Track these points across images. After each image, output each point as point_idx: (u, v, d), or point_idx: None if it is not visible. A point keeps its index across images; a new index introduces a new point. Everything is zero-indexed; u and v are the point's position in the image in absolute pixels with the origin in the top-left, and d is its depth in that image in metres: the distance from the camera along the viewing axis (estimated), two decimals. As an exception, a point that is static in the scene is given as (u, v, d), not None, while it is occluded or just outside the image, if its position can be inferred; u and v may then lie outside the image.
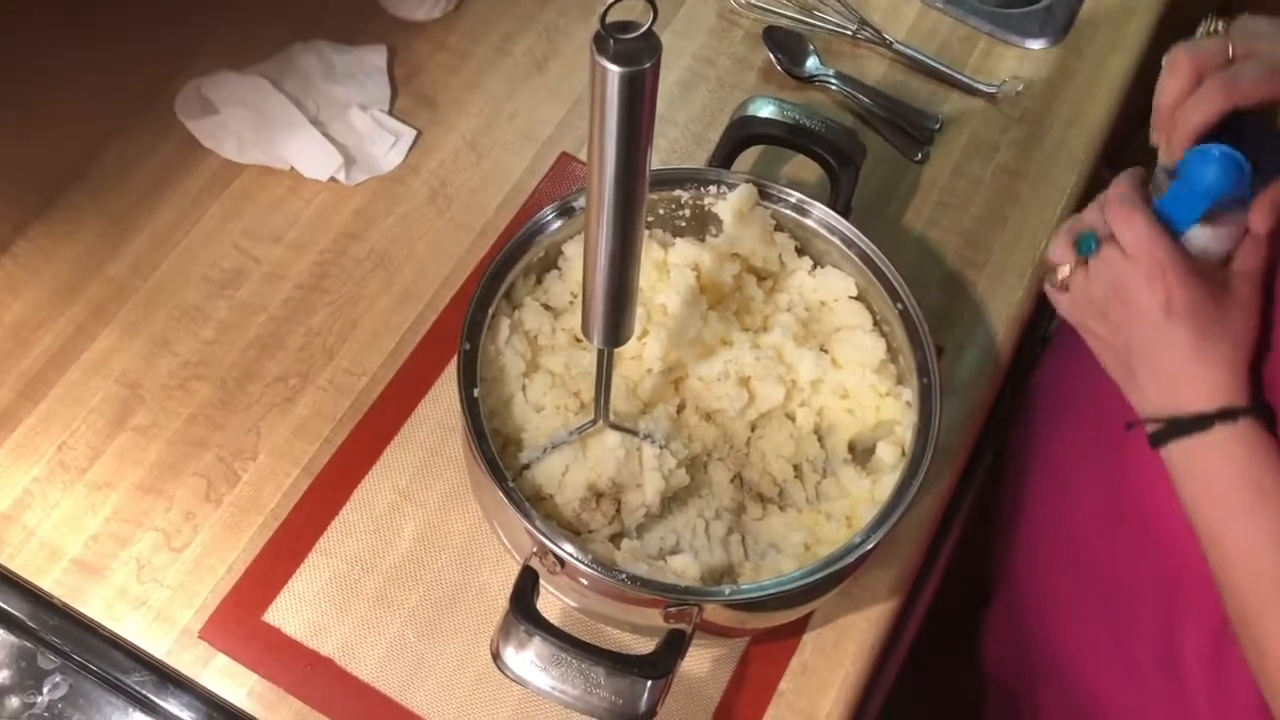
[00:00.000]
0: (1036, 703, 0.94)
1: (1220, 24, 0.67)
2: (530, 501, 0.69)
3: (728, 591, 0.68)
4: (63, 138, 0.88)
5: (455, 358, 0.71)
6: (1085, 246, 0.68)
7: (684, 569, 0.72)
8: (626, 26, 0.48)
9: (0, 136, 0.83)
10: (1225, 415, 0.62)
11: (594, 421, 0.73)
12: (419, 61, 0.99)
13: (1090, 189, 0.98)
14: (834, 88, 1.00)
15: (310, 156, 0.91)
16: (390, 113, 0.96)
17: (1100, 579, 0.82)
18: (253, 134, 0.91)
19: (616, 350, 0.67)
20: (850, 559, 0.68)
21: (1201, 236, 0.65)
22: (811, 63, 1.00)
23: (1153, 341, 0.64)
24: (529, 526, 0.67)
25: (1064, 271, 0.69)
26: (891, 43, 1.02)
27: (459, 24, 1.01)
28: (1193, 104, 0.64)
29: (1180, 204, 0.64)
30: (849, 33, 1.01)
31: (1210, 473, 0.63)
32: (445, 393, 0.85)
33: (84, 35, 0.85)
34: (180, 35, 0.94)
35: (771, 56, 1.00)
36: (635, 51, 0.48)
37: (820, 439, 0.80)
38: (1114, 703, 0.83)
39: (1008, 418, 0.94)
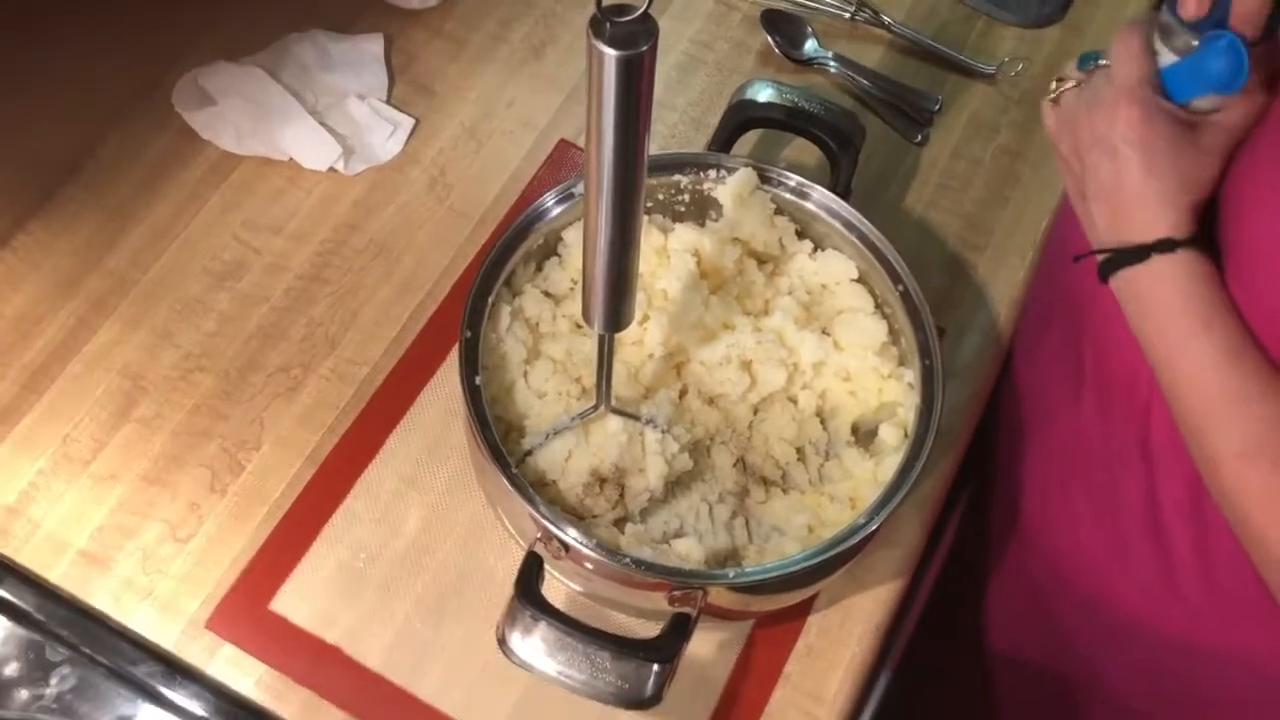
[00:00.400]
0: (1044, 672, 0.94)
1: None
2: (534, 487, 0.69)
3: (732, 574, 0.68)
4: (60, 131, 0.88)
5: (457, 346, 0.71)
6: (1084, 62, 0.69)
7: (688, 552, 0.72)
8: (623, 10, 0.48)
9: (-2, 130, 0.83)
10: (1162, 246, 0.64)
11: (596, 407, 0.73)
12: (416, 49, 0.99)
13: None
14: (833, 70, 0.99)
15: (309, 147, 0.91)
16: (388, 101, 0.96)
17: (1087, 471, 0.82)
18: (251, 125, 0.91)
19: (618, 336, 0.67)
20: (854, 540, 0.68)
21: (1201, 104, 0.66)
22: (810, 45, 1.00)
23: (1103, 167, 0.66)
24: (533, 512, 0.67)
25: (1054, 87, 0.70)
26: (889, 24, 1.01)
27: (455, 10, 1.01)
28: None
29: (1184, 79, 0.65)
30: (847, 15, 1.01)
31: (1153, 302, 0.65)
32: (448, 381, 0.85)
33: (80, 28, 0.85)
34: (177, 27, 0.94)
35: (769, 40, 1.00)
36: (632, 35, 0.48)
37: (823, 421, 0.80)
38: (1119, 611, 0.83)
39: (991, 421, 0.94)
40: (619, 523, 0.74)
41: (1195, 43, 0.64)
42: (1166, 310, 0.64)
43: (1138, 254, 0.65)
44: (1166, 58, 0.66)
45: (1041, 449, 0.88)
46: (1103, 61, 0.68)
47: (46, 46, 0.83)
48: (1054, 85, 0.70)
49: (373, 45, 0.97)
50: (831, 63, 0.99)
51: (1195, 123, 0.65)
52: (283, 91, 0.92)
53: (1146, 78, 0.65)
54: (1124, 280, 0.66)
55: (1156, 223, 0.64)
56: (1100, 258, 0.67)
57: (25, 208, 0.88)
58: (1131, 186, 0.65)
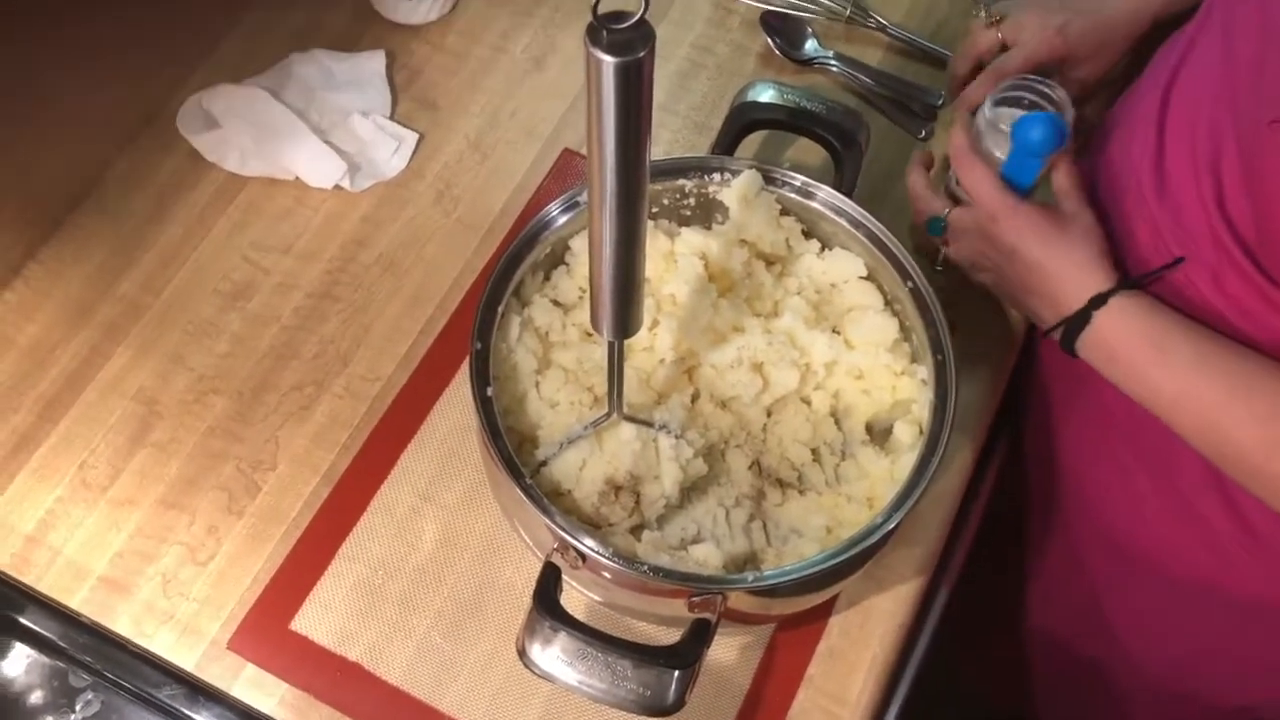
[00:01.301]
0: (1083, 655, 0.94)
1: (984, 11, 0.88)
2: (549, 498, 0.69)
3: (750, 578, 0.68)
4: (67, 159, 0.88)
5: (468, 358, 0.71)
6: (936, 229, 0.81)
7: (706, 558, 0.72)
8: (620, 17, 0.48)
9: (4, 160, 0.83)
10: (1095, 302, 0.71)
11: (608, 415, 0.73)
12: (418, 65, 0.99)
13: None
14: (834, 70, 0.99)
15: (314, 165, 0.91)
16: (392, 117, 0.96)
17: (1138, 438, 0.83)
18: (255, 146, 0.91)
19: (628, 342, 0.67)
20: (872, 540, 0.68)
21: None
22: (810, 46, 1.00)
23: (1022, 270, 0.75)
24: (549, 523, 0.67)
25: (942, 255, 0.82)
26: (887, 26, 1.01)
27: (455, 25, 1.01)
28: (973, 88, 0.87)
29: (1019, 167, 0.76)
30: (844, 15, 1.01)
31: (1115, 351, 0.71)
32: (460, 394, 0.85)
33: (82, 56, 0.85)
34: (179, 52, 0.95)
35: (769, 42, 1.00)
36: (629, 41, 0.48)
37: (837, 421, 0.79)
38: (1188, 577, 0.84)
39: (1024, 384, 0.94)
40: (635, 530, 0.74)
41: (1005, 127, 0.76)
42: (1127, 353, 0.70)
43: (1081, 319, 0.72)
44: (1000, 155, 0.77)
45: (1081, 419, 0.88)
46: (946, 212, 0.80)
47: (50, 76, 0.83)
48: (941, 257, 0.83)
49: (375, 62, 0.97)
50: (832, 62, 0.99)
51: (1056, 205, 0.76)
52: (286, 111, 0.92)
53: (1003, 189, 0.76)
54: (1085, 346, 0.72)
55: (1082, 288, 0.72)
56: (1056, 335, 0.74)
57: (36, 237, 0.89)
58: (1044, 273, 0.73)
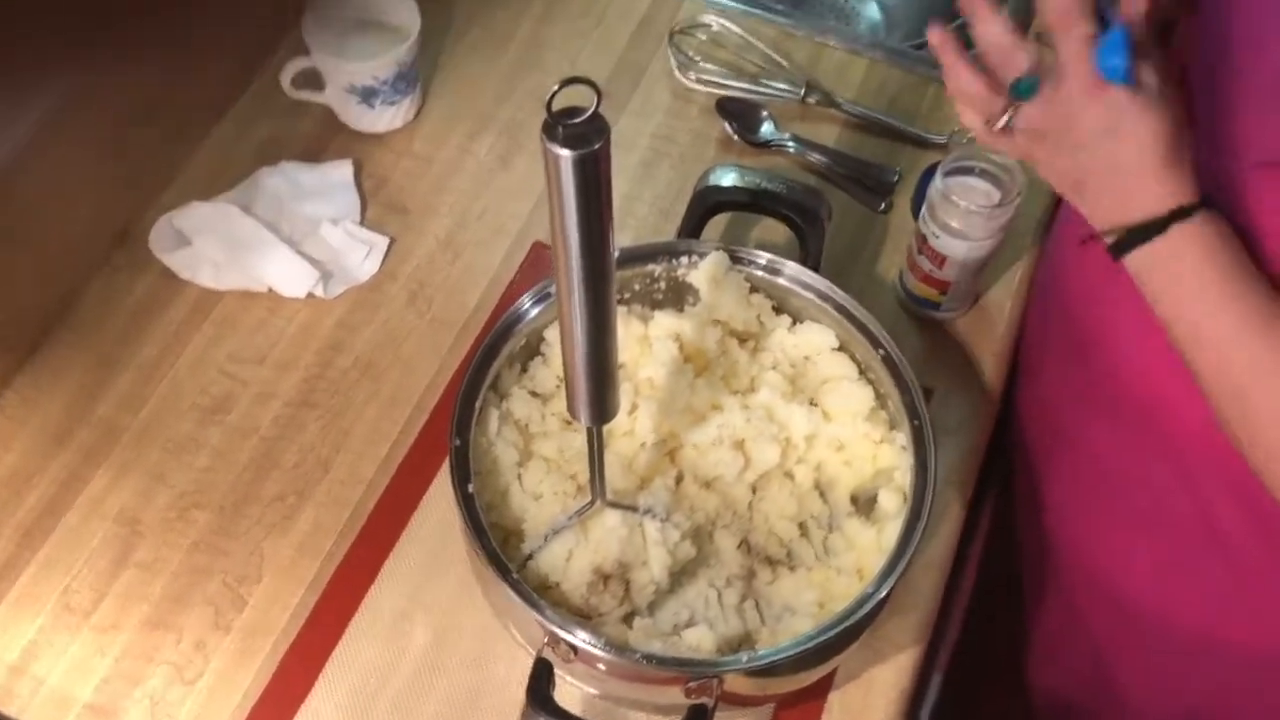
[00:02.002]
0: (1085, 710, 0.93)
1: None
2: (537, 591, 0.68)
3: (745, 659, 0.67)
4: (40, 285, 0.89)
5: (448, 455, 0.71)
6: (1026, 90, 0.67)
7: (700, 641, 0.71)
8: (574, 112, 0.49)
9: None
10: (1179, 215, 0.63)
11: (592, 502, 0.72)
12: (385, 172, 1.01)
13: (1059, 211, 0.99)
14: (792, 150, 1.01)
15: (286, 275, 0.92)
16: (362, 223, 0.97)
17: (1124, 494, 0.82)
18: (228, 260, 0.92)
19: (608, 427, 0.67)
20: (864, 611, 0.68)
21: None
22: (766, 128, 1.02)
23: (1100, 153, 0.65)
24: (538, 617, 0.67)
25: (1003, 121, 0.68)
26: (840, 104, 1.04)
27: (420, 130, 1.03)
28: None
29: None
30: (798, 97, 1.04)
31: (1176, 275, 0.64)
32: (443, 492, 0.85)
33: (51, 178, 0.86)
34: (148, 172, 0.96)
35: (727, 127, 1.02)
36: (584, 134, 0.49)
37: (822, 494, 0.79)
38: (1184, 626, 0.82)
39: (1007, 441, 0.95)
40: (627, 618, 0.73)
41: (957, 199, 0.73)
42: (1191, 281, 0.64)
43: (1156, 227, 0.64)
44: (955, 224, 0.76)
45: (1067, 475, 0.88)
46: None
47: (18, 203, 0.84)
48: (999, 121, 0.68)
49: (342, 171, 0.99)
50: (790, 143, 1.01)
51: (1149, 93, 0.65)
52: (257, 224, 0.93)
53: (1093, 66, 0.64)
54: (1141, 258, 0.65)
55: (1164, 195, 0.64)
56: (1112, 239, 0.66)
57: (11, 365, 0.89)
58: (1132, 164, 0.64)
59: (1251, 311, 0.62)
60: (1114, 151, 0.64)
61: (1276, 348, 0.62)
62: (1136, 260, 0.66)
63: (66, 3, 0.81)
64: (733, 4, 1.12)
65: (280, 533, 0.84)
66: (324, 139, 1.02)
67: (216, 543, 0.83)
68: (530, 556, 0.73)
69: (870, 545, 0.75)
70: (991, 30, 0.66)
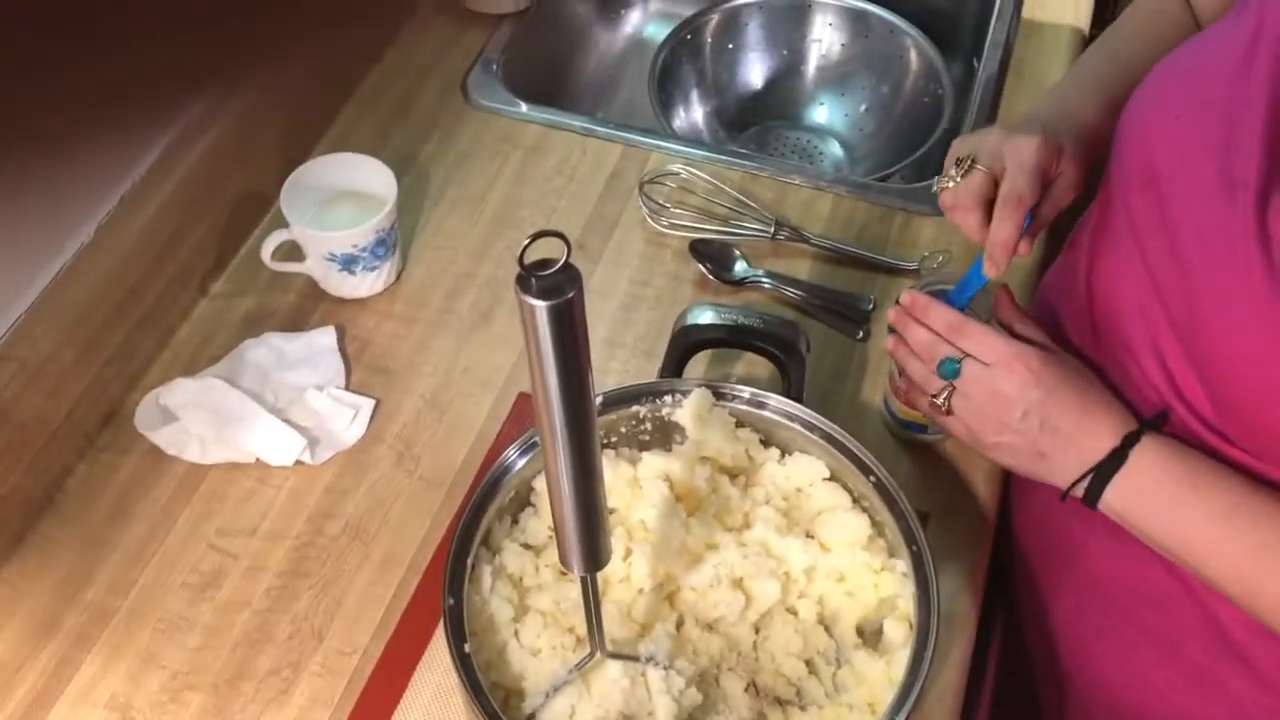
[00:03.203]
0: None
1: (968, 164, 0.78)
2: (541, 751, 0.66)
3: (762, 807, 0.65)
4: (25, 471, 0.88)
5: (442, 616, 0.70)
6: (950, 370, 0.75)
7: (713, 792, 0.69)
8: (546, 264, 0.50)
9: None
10: (1130, 440, 0.69)
11: (592, 654, 0.71)
12: (368, 336, 1.02)
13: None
14: (767, 286, 1.03)
15: (273, 444, 0.92)
16: (347, 387, 0.98)
17: (1134, 611, 0.81)
18: (214, 433, 0.92)
19: (603, 575, 0.67)
20: (879, 747, 0.66)
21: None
22: (740, 267, 1.05)
23: (1048, 418, 0.71)
24: (544, 779, 0.64)
25: (942, 397, 0.75)
26: (810, 239, 1.06)
27: (401, 293, 1.05)
28: (999, 222, 0.76)
29: (960, 296, 0.80)
30: (768, 235, 1.06)
31: (1147, 494, 0.69)
32: (440, 654, 0.83)
33: (35, 366, 0.87)
34: (133, 352, 0.97)
35: (701, 268, 1.04)
36: (557, 285, 0.50)
37: (827, 628, 0.78)
38: None
39: (1008, 562, 0.93)
40: (637, 772, 0.71)
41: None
42: (1162, 493, 0.68)
43: (1117, 459, 0.69)
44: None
45: (1074, 595, 0.87)
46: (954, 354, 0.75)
47: (4, 390, 0.85)
48: (943, 395, 0.76)
49: (325, 338, 1.00)
50: (764, 280, 1.03)
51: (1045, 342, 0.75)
52: (243, 396, 0.94)
53: (1008, 337, 0.74)
54: (1115, 492, 0.69)
55: (1114, 427, 0.70)
56: (1081, 488, 0.71)
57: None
58: (1081, 412, 0.70)
59: (1229, 500, 0.66)
60: (1064, 406, 0.71)
61: (1263, 527, 0.65)
62: (1111, 496, 0.70)
63: (52, 188, 0.84)
64: (698, 152, 1.16)
65: (276, 707, 0.81)
66: (306, 308, 1.03)
67: (210, 724, 0.81)
68: (532, 715, 0.71)
69: (880, 678, 0.73)
70: (918, 335, 0.76)
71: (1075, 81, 0.85)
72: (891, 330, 0.80)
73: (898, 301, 0.79)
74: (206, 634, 0.85)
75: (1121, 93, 0.75)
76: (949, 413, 0.75)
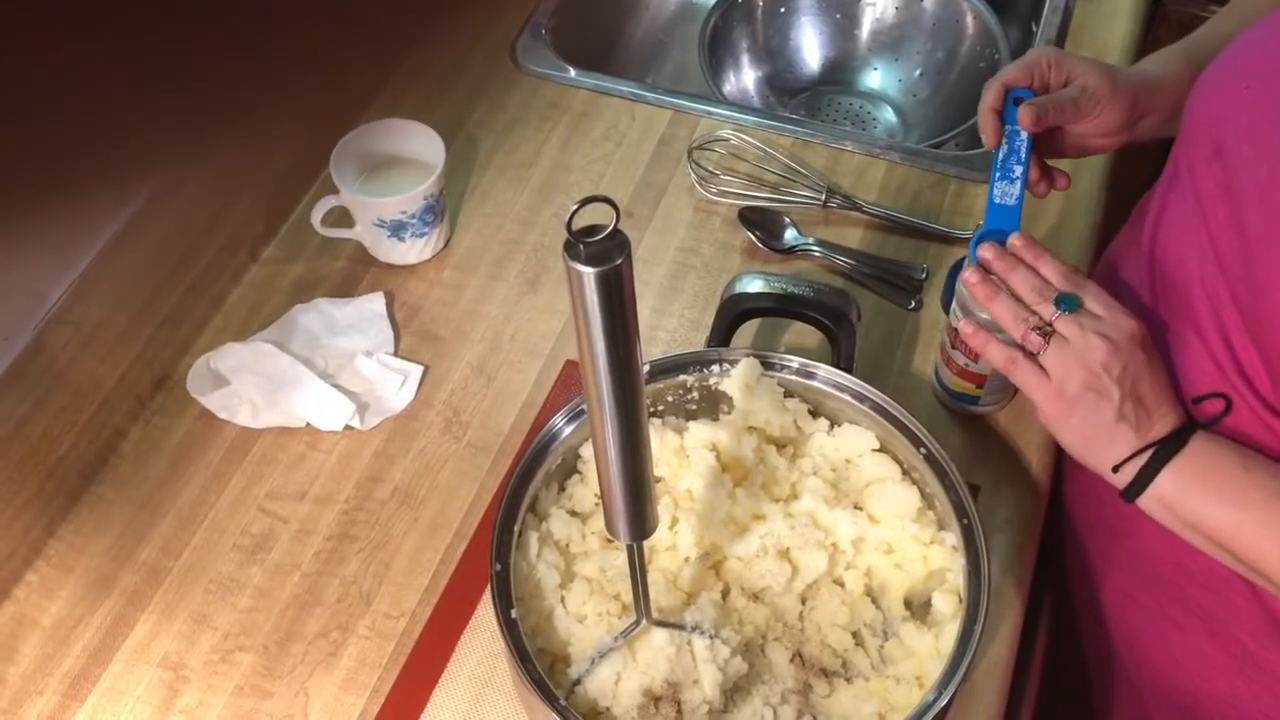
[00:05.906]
0: None
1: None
2: (587, 717, 0.67)
3: (807, 778, 0.64)
4: (80, 433, 0.90)
5: (489, 581, 0.70)
6: (1070, 304, 0.72)
7: (758, 761, 0.69)
8: (594, 230, 0.49)
9: (20, 440, 0.85)
10: (1189, 427, 0.70)
11: (638, 622, 0.71)
12: (417, 302, 1.02)
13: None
14: (817, 254, 1.02)
15: (323, 409, 0.93)
16: (396, 354, 0.98)
17: (1183, 591, 0.80)
18: (265, 398, 0.93)
19: (649, 543, 0.66)
20: (927, 720, 0.65)
21: None
22: (790, 235, 1.03)
23: (1138, 381, 0.70)
24: (589, 744, 0.65)
25: (1052, 315, 0.72)
26: (862, 206, 1.05)
27: (450, 260, 1.05)
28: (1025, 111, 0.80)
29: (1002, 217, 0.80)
30: (819, 203, 1.05)
31: (1205, 475, 0.69)
32: (487, 620, 0.83)
33: (90, 329, 0.88)
34: (184, 317, 0.98)
35: (751, 236, 1.03)
36: (605, 251, 0.49)
37: (874, 600, 0.77)
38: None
39: (1058, 537, 0.92)
40: (681, 740, 0.71)
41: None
42: (1220, 475, 0.68)
43: (1178, 439, 0.69)
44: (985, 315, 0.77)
45: (1124, 576, 0.85)
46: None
47: (61, 352, 0.86)
48: (1037, 335, 0.72)
49: (375, 304, 1.01)
50: (815, 248, 1.02)
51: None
52: (293, 361, 0.95)
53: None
54: (1170, 475, 0.69)
55: (1178, 415, 0.70)
56: (1141, 462, 0.70)
57: (56, 514, 0.89)
58: (1157, 391, 0.70)
59: (1272, 496, 0.67)
60: (1153, 373, 0.70)
61: None
62: (1167, 478, 0.69)
63: (108, 155, 0.85)
64: (748, 118, 1.14)
65: (325, 670, 0.82)
66: (356, 274, 1.04)
67: (261, 684, 0.82)
68: (578, 681, 0.71)
69: (928, 651, 0.73)
70: (1025, 277, 0.74)
71: (1175, 45, 0.85)
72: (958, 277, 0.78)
73: (975, 242, 0.77)
74: (257, 596, 0.86)
75: (1205, 58, 0.74)
76: (1039, 351, 0.71)
